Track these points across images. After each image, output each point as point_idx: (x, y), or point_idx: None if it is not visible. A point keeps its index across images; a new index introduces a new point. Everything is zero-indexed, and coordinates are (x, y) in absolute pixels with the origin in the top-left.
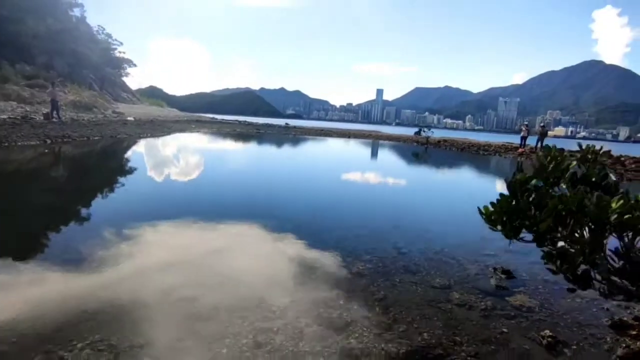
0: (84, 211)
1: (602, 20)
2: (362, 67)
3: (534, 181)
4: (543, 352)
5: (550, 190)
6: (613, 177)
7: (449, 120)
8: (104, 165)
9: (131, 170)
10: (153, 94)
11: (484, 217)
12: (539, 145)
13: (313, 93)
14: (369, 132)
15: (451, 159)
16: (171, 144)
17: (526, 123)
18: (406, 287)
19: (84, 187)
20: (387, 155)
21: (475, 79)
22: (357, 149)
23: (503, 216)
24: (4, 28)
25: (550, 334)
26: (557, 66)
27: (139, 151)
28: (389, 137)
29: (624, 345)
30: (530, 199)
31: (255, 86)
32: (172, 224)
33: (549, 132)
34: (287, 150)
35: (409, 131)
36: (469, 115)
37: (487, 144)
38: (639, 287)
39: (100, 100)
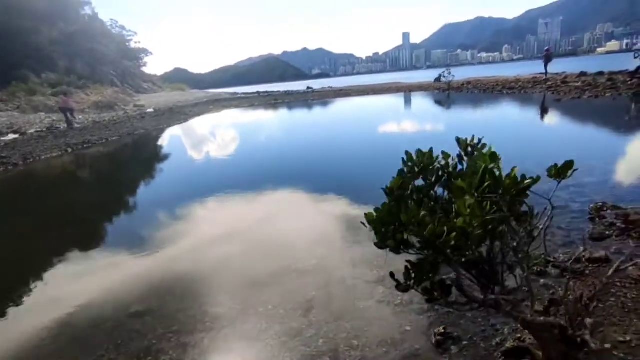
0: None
1: None
2: (385, 12)
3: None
4: (432, 350)
5: (432, 192)
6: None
7: (484, 54)
8: (120, 166)
9: (148, 166)
10: (178, 76)
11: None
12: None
13: (337, 48)
14: (389, 85)
15: (468, 104)
16: (185, 133)
17: (547, 48)
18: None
19: (107, 188)
20: (402, 110)
21: (510, 3)
22: (372, 107)
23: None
24: (26, 39)
25: (443, 330)
26: None
27: (152, 147)
28: (410, 88)
29: (513, 339)
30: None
31: (277, 51)
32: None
33: (599, 49)
34: (303, 118)
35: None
36: (506, 45)
37: (516, 79)
38: (486, 296)
39: (122, 96)
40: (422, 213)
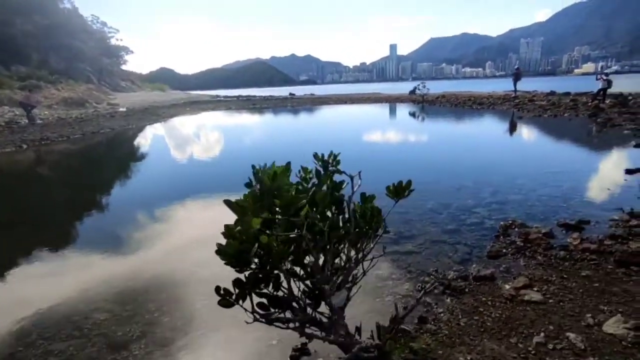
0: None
1: None
2: (373, 22)
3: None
4: None
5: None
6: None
7: (467, 69)
8: (75, 165)
9: (104, 166)
10: (164, 76)
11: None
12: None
13: (325, 56)
14: (368, 95)
15: (435, 117)
16: (151, 134)
17: (516, 67)
18: None
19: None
20: (376, 120)
21: (494, 22)
22: (349, 116)
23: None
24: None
25: (300, 346)
26: None
27: (114, 147)
28: (387, 99)
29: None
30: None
31: (265, 55)
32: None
33: (576, 70)
34: (271, 123)
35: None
36: (489, 62)
37: (489, 95)
38: (304, 314)
39: (96, 93)
40: (236, 229)
